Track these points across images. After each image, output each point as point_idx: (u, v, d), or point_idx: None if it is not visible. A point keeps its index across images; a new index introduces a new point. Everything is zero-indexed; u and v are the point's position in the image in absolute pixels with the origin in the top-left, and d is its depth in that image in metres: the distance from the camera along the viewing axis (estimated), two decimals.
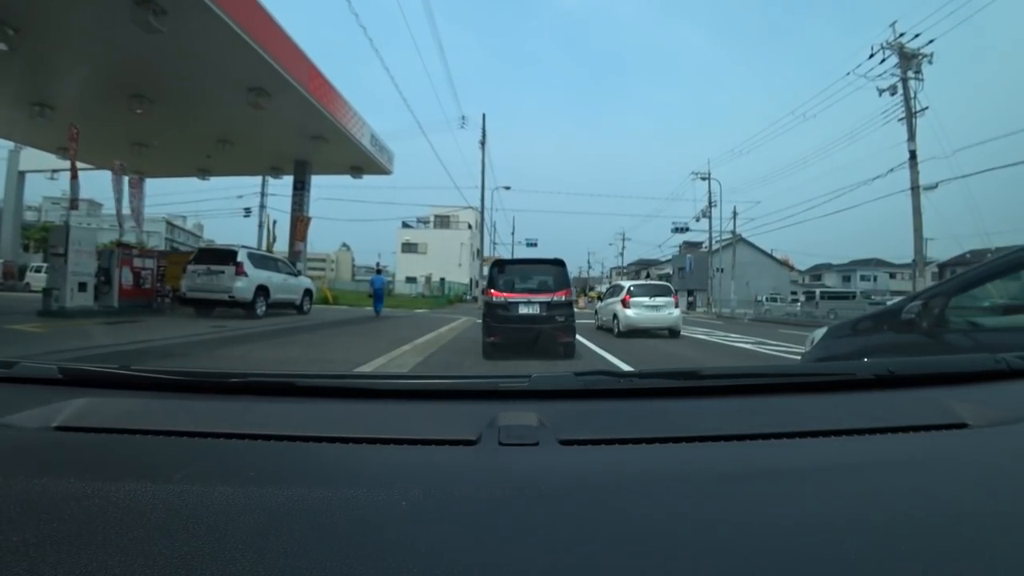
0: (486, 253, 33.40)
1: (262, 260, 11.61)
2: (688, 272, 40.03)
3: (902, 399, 0.86)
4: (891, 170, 17.19)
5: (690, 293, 38.75)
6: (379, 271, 18.55)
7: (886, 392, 0.88)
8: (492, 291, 7.12)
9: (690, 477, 0.60)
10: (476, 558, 0.44)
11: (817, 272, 59.99)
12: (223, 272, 10.43)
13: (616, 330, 11.05)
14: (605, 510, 0.52)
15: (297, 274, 13.11)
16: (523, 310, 6.94)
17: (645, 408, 0.83)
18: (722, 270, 35.02)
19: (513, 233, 50.01)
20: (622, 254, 64.40)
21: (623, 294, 11.18)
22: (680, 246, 54.75)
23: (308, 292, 13.50)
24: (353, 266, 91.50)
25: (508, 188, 34.66)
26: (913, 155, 16.18)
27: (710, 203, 32.16)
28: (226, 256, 10.76)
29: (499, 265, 7.85)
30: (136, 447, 0.66)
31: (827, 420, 0.74)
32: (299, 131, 13.00)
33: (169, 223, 80.00)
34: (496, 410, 0.74)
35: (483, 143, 26.53)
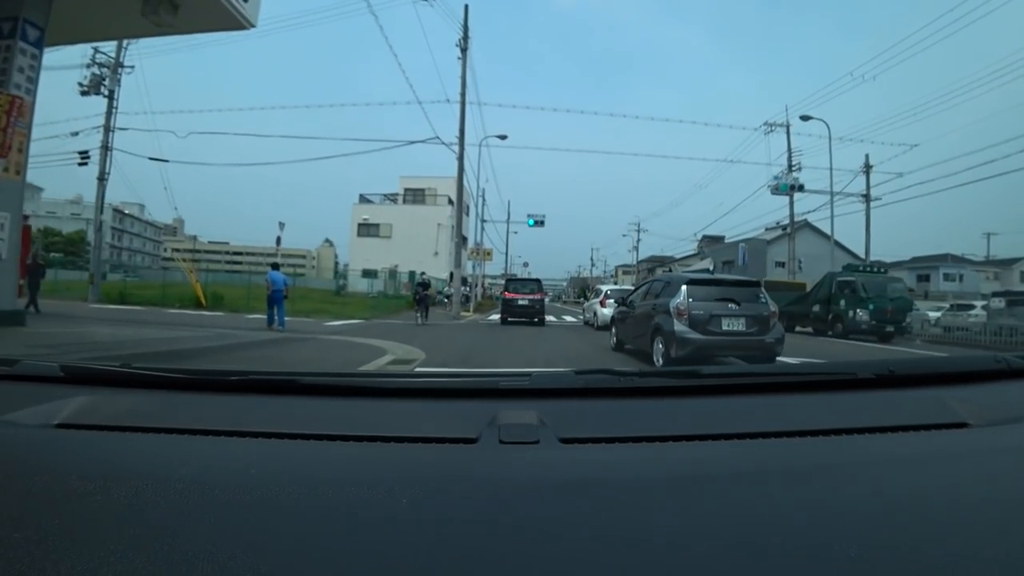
0: (472, 234, 23.49)
1: None
2: (742, 265, 30.50)
3: (903, 398, 0.88)
4: None
5: None
6: (276, 266, 11.30)
7: (887, 391, 0.90)
8: (507, 292, 15.99)
9: (690, 476, 0.59)
10: (477, 556, 0.44)
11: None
12: None
13: (595, 325, 14.58)
14: (605, 508, 0.52)
15: None
16: (520, 302, 15.39)
17: (645, 407, 0.83)
18: (783, 264, 26.59)
19: (508, 221, 40.07)
20: (636, 248, 54.85)
21: (601, 296, 14.82)
22: (699, 241, 46.21)
23: None
24: (336, 263, 79.66)
25: (504, 137, 24.47)
26: None
27: (790, 164, 22.76)
28: None
29: (510, 280, 17.54)
30: (137, 444, 0.66)
31: (828, 419, 0.75)
32: None
33: (119, 212, 63.19)
34: (496, 408, 0.74)
35: (464, 48, 16.77)
